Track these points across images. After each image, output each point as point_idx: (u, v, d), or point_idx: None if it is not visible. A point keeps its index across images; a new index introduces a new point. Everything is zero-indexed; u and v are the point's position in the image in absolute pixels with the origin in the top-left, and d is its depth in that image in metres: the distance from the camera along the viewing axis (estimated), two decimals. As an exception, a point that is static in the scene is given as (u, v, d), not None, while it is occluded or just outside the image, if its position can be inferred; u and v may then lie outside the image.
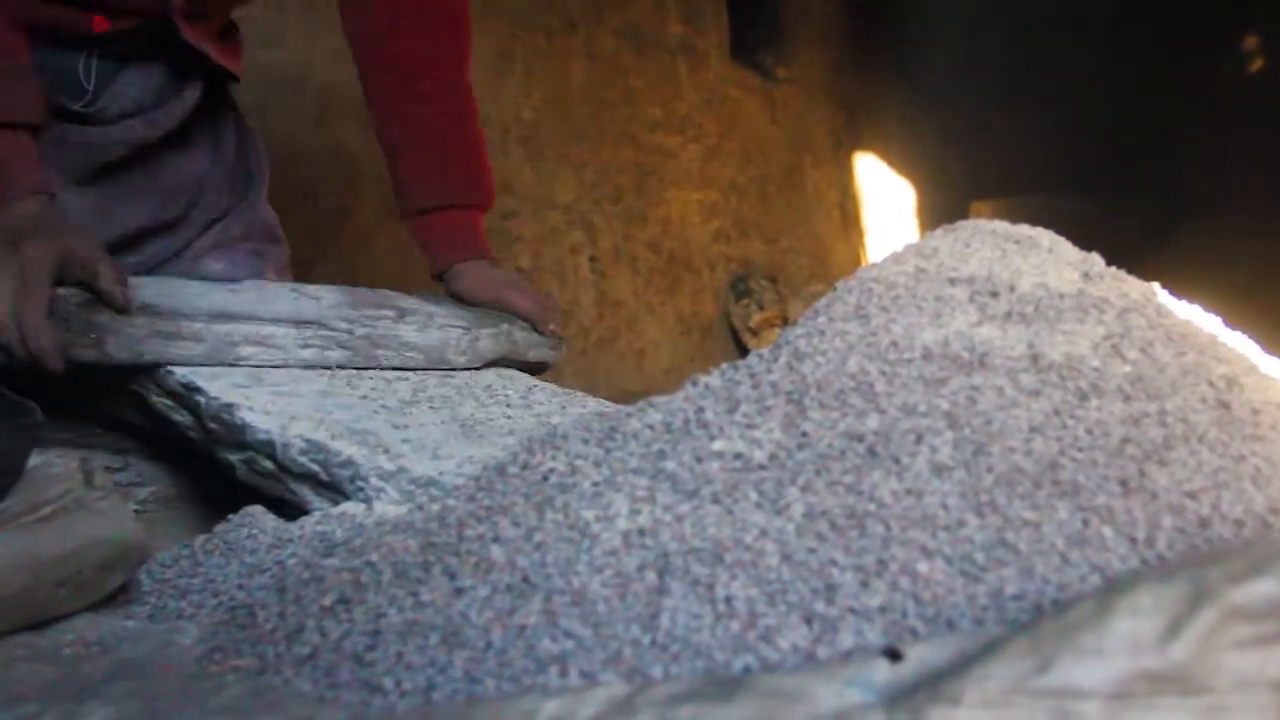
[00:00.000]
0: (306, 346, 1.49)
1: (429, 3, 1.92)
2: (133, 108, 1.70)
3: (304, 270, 2.01)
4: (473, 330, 1.70)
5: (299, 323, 1.49)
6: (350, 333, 1.53)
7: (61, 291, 1.35)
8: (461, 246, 1.91)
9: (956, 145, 7.20)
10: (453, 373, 1.64)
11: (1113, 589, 0.57)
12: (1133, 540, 0.75)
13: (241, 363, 1.44)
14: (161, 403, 1.39)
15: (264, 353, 1.46)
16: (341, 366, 1.52)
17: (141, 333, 1.38)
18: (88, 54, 1.65)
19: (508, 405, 1.51)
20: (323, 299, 1.58)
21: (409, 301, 1.70)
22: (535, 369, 1.83)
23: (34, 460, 1.09)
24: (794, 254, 6.41)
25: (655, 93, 5.30)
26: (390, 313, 1.61)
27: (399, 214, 1.97)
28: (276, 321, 1.47)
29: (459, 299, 1.86)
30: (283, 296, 1.55)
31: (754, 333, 5.64)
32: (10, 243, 1.34)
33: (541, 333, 1.87)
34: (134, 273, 1.55)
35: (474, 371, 1.68)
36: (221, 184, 1.86)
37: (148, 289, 1.44)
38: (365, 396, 1.42)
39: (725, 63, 5.87)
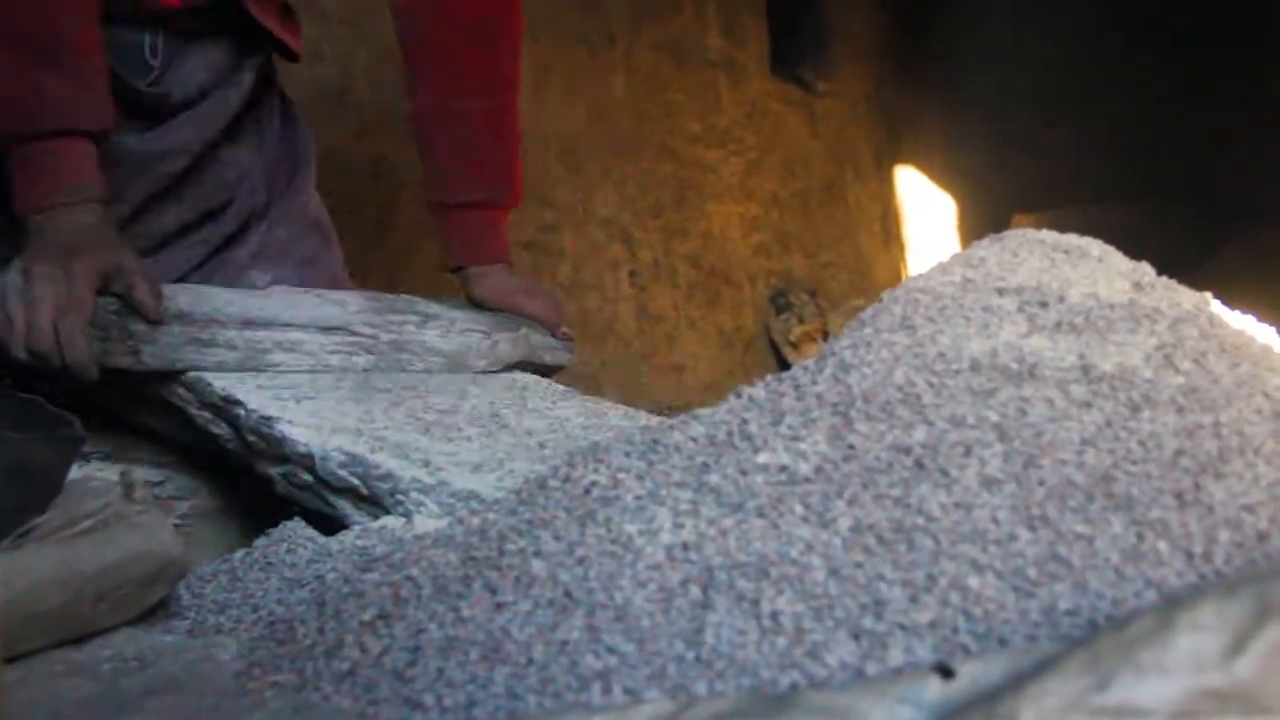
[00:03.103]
0: (334, 352, 1.51)
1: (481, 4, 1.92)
2: (195, 91, 1.71)
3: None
4: (492, 335, 1.72)
5: (326, 329, 1.51)
6: (376, 338, 1.55)
7: (100, 300, 1.37)
8: (483, 249, 1.92)
9: (999, 158, 7.16)
10: (489, 382, 1.63)
11: (1173, 604, 0.56)
12: (1189, 555, 0.74)
13: (271, 369, 1.45)
14: (201, 415, 1.39)
15: (293, 359, 1.47)
16: (367, 371, 1.53)
17: (177, 340, 1.40)
18: (153, 32, 1.67)
19: (547, 415, 1.50)
20: (348, 304, 1.59)
21: (431, 307, 1.72)
22: (550, 372, 1.85)
23: (74, 474, 1.09)
24: (835, 268, 6.39)
25: (695, 106, 5.29)
26: (414, 318, 1.63)
27: (426, 203, 1.98)
28: (305, 328, 1.49)
29: (474, 302, 1.88)
30: (309, 302, 1.57)
31: (795, 347, 5.62)
32: (62, 255, 1.37)
33: (555, 336, 1.89)
34: (176, 275, 1.59)
35: (507, 379, 1.68)
36: (261, 177, 1.85)
37: (181, 297, 1.45)
38: (405, 409, 1.41)
39: (765, 76, 5.86)
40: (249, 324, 1.45)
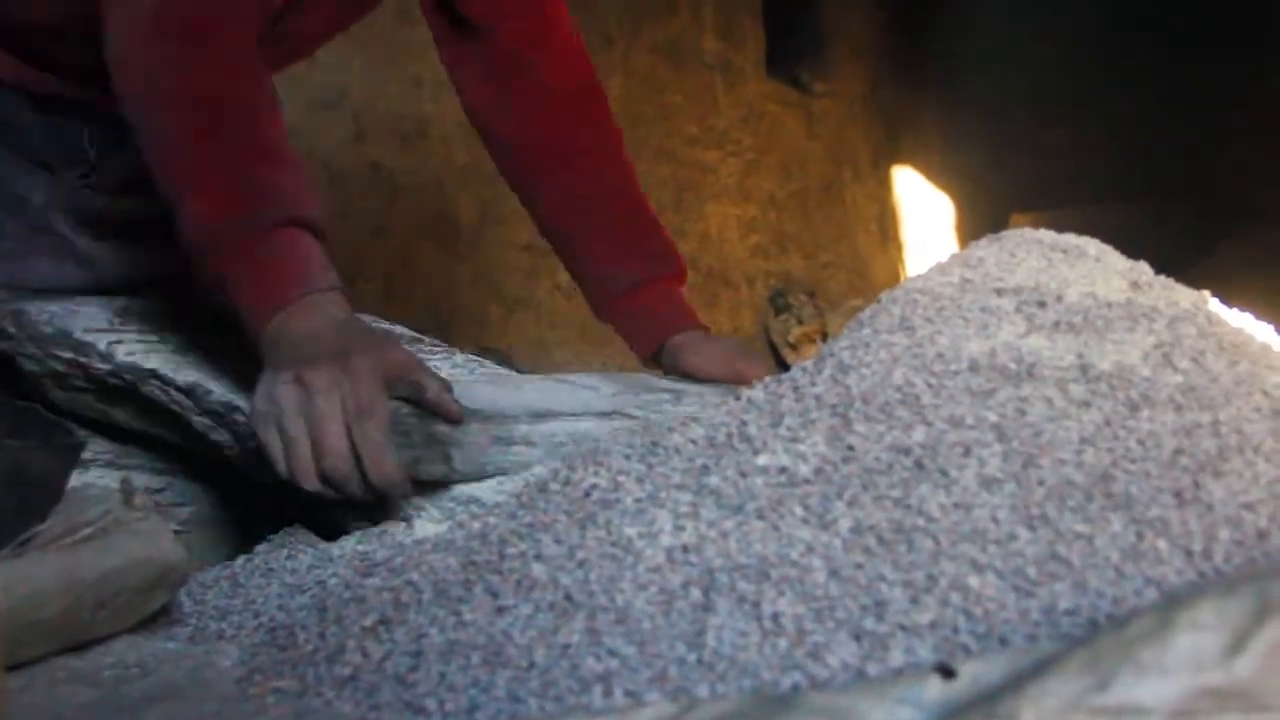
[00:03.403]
0: None
1: (553, 68, 1.77)
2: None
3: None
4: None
5: (603, 414, 1.41)
6: (646, 419, 1.40)
7: (392, 405, 1.19)
8: (672, 320, 1.70)
9: (997, 157, 7.15)
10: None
11: (1173, 603, 0.56)
12: (1189, 553, 0.74)
13: None
14: (201, 422, 1.39)
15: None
16: None
17: (481, 440, 1.25)
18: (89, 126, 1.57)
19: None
20: (600, 389, 1.46)
21: (667, 383, 1.57)
22: None
23: (74, 481, 1.09)
24: (833, 269, 6.39)
25: (692, 108, 5.30)
26: (667, 396, 1.49)
27: (595, 311, 1.80)
28: (584, 415, 1.36)
29: (687, 376, 1.63)
30: (568, 390, 1.44)
31: (793, 348, 5.62)
32: (339, 357, 1.15)
33: None
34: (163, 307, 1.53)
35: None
36: None
37: (462, 392, 1.28)
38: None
39: (762, 77, 5.86)
40: (539, 417, 1.33)
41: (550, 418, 1.31)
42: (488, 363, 1.68)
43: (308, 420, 1.12)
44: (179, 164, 1.26)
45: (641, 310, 1.72)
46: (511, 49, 1.75)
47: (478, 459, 1.23)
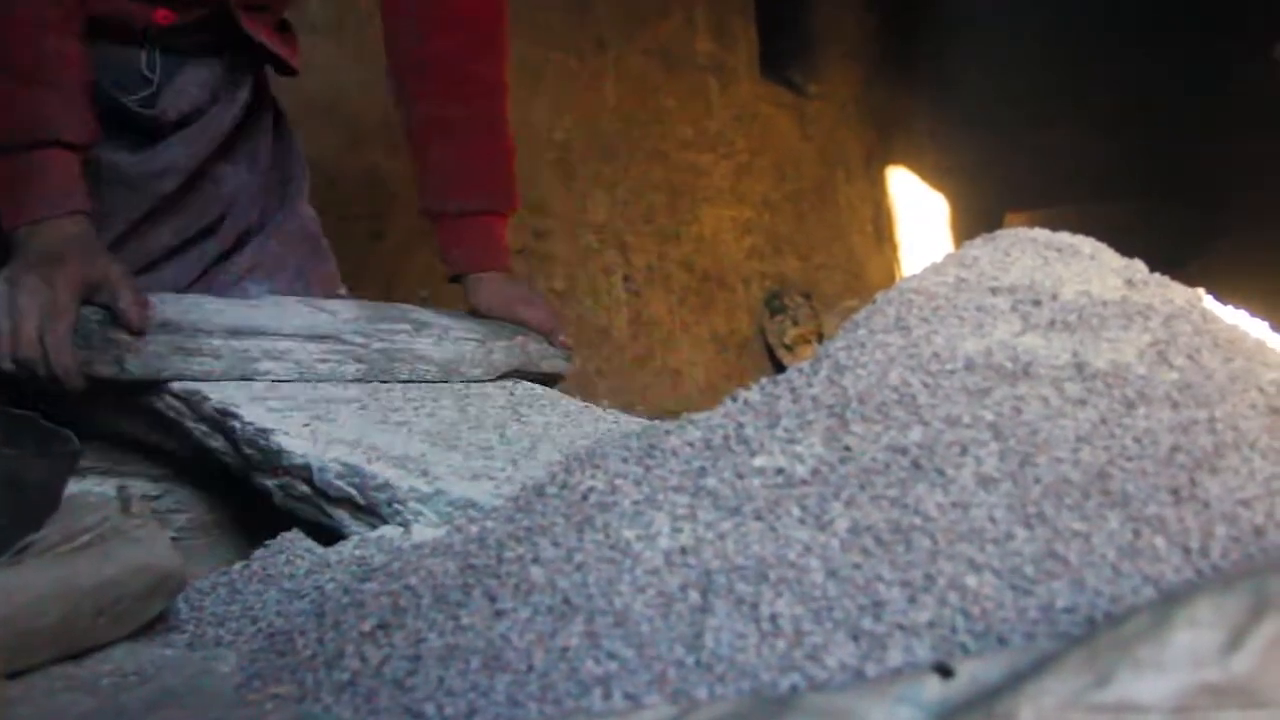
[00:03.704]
0: (323, 361, 1.49)
1: (468, 7, 1.91)
2: (190, 108, 1.71)
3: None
4: (487, 343, 1.70)
5: (315, 337, 1.49)
6: (366, 346, 1.53)
7: (84, 310, 1.38)
8: (481, 256, 1.91)
9: (991, 157, 7.16)
10: (484, 390, 1.63)
11: (1170, 600, 0.56)
12: (1186, 550, 0.74)
13: (259, 378, 1.44)
14: (197, 429, 1.39)
15: (281, 367, 1.46)
16: (357, 380, 1.52)
17: (161, 349, 1.39)
18: (149, 48, 1.67)
19: (542, 423, 1.50)
20: (339, 313, 1.58)
21: (425, 315, 1.70)
22: (548, 380, 1.83)
23: (71, 489, 1.09)
24: (828, 269, 6.40)
25: (686, 111, 5.30)
26: (407, 326, 1.61)
27: (421, 211, 1.97)
28: (292, 336, 1.48)
29: (473, 310, 1.87)
30: (300, 311, 1.56)
31: (789, 349, 5.62)
32: (46, 266, 1.37)
33: (554, 344, 1.87)
34: (172, 290, 1.58)
35: (503, 387, 1.68)
36: (255, 192, 1.86)
37: (169, 306, 1.45)
38: (402, 419, 1.41)
39: (755, 79, 5.86)
40: (236, 333, 1.44)
41: (248, 335, 1.45)
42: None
43: (10, 314, 1.36)
44: None
45: (458, 240, 1.92)
46: None
47: (154, 365, 1.39)
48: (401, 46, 1.93)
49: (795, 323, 5.74)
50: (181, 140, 1.71)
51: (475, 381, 1.66)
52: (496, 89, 1.94)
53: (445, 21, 1.89)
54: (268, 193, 1.90)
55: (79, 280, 1.38)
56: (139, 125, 1.67)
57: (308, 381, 1.48)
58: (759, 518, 0.81)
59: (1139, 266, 1.07)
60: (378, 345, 1.55)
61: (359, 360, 1.53)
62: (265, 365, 1.45)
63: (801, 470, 0.85)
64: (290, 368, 1.47)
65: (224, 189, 1.80)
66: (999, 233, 1.12)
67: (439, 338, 1.63)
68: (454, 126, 1.89)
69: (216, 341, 1.42)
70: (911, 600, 0.72)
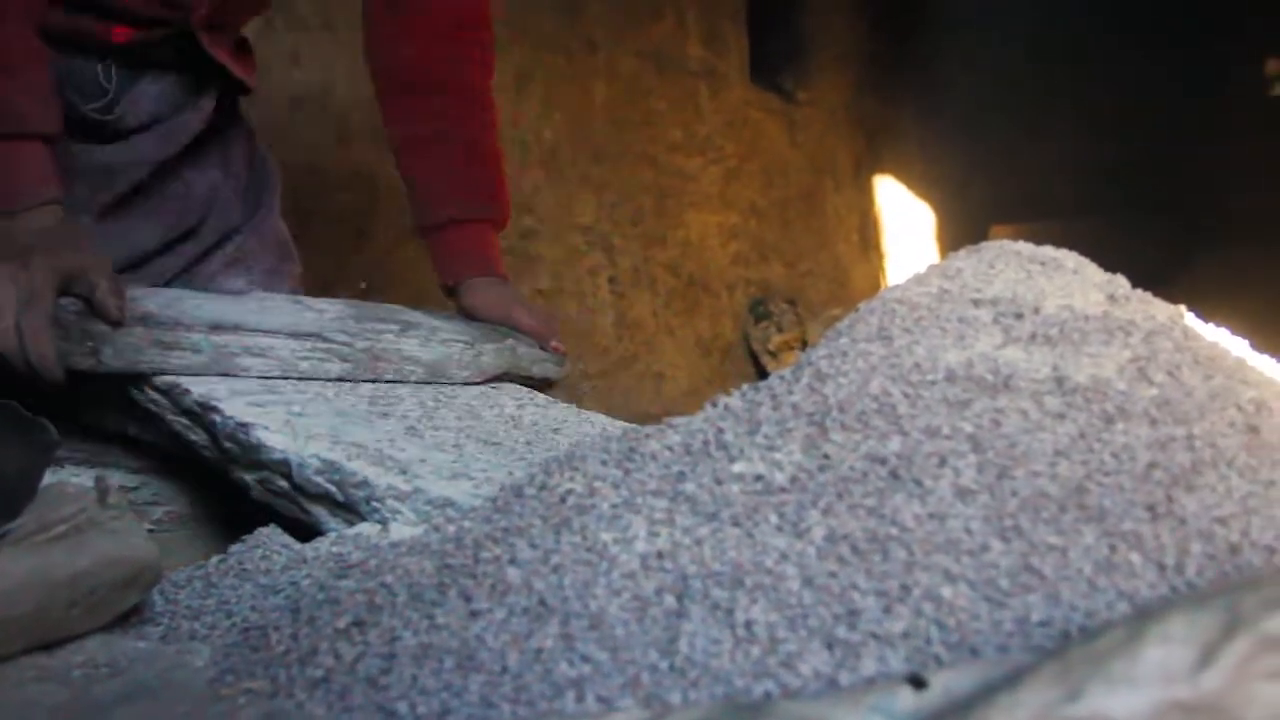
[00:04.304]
0: (305, 359, 1.49)
1: (448, 8, 1.91)
2: (149, 118, 1.72)
3: (323, 290, 2.00)
4: (476, 345, 1.69)
5: (298, 335, 1.49)
6: (350, 345, 1.52)
7: (62, 301, 1.37)
8: (472, 262, 1.91)
9: (978, 169, 7.19)
10: (469, 392, 1.63)
11: (1144, 616, 0.56)
12: (1161, 567, 0.74)
13: (240, 374, 1.44)
14: (178, 421, 1.39)
15: (262, 364, 1.45)
16: (341, 379, 1.51)
17: (140, 342, 1.39)
18: (106, 61, 1.67)
19: (528, 425, 1.50)
20: (326, 311, 1.58)
21: (414, 315, 1.70)
22: (539, 385, 1.83)
23: (48, 479, 1.09)
24: (813, 277, 6.41)
25: (676, 114, 5.31)
26: (394, 326, 1.60)
27: (415, 230, 1.97)
28: (275, 333, 1.47)
29: (467, 315, 1.87)
30: (285, 308, 1.55)
31: (773, 355, 5.63)
32: (20, 257, 1.36)
33: (545, 349, 1.86)
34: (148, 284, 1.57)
35: (488, 389, 1.67)
36: (233, 196, 1.87)
37: (149, 300, 1.45)
38: (384, 415, 1.41)
39: (746, 85, 5.87)
40: (217, 328, 1.43)
41: (228, 331, 1.44)
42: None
43: None
44: None
45: (449, 247, 1.92)
46: None
47: (131, 357, 1.39)
48: (384, 65, 1.94)
49: (780, 329, 5.75)
50: (146, 139, 1.72)
51: (463, 384, 1.66)
52: (483, 100, 1.95)
53: (430, 32, 1.90)
54: (245, 198, 1.90)
55: (56, 271, 1.36)
56: (99, 133, 1.68)
57: (299, 380, 1.48)
58: (736, 524, 0.81)
59: (1121, 282, 1.07)
60: (362, 344, 1.54)
61: (343, 359, 1.52)
62: (246, 361, 1.45)
63: (780, 477, 0.85)
64: (271, 365, 1.46)
65: (196, 191, 1.81)
66: (983, 245, 1.12)
67: (426, 338, 1.63)
68: (441, 142, 1.89)
69: (196, 336, 1.42)
70: (886, 610, 0.72)
